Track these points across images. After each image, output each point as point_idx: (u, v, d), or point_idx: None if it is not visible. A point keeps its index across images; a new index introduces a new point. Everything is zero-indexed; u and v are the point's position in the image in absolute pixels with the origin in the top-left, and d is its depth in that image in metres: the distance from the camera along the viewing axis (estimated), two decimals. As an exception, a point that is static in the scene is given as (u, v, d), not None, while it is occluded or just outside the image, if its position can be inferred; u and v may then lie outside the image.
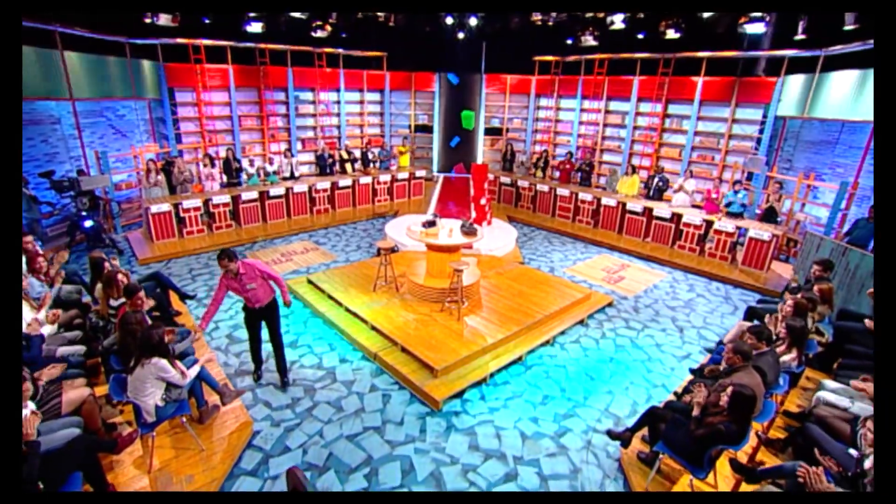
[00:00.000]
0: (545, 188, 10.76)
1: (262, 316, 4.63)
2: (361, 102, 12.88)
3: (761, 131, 9.78)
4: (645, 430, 3.86)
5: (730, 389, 3.18)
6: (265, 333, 4.77)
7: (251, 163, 10.46)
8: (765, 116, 9.68)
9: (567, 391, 4.89)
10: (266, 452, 3.98)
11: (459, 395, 4.76)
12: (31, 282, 4.69)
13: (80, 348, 4.32)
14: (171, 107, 10.19)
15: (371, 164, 11.58)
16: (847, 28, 7.34)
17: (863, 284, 6.18)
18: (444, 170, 13.53)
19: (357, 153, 11.66)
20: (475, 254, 7.91)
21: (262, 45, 10.79)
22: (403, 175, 11.70)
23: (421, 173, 12.10)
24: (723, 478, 3.56)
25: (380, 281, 6.57)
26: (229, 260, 4.29)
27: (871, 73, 8.04)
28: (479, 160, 13.39)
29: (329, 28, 10.53)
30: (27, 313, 4.26)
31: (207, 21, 9.74)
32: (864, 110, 8.08)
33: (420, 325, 5.65)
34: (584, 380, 5.09)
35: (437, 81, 13.16)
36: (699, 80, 10.18)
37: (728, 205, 8.54)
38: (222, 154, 9.76)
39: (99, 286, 4.74)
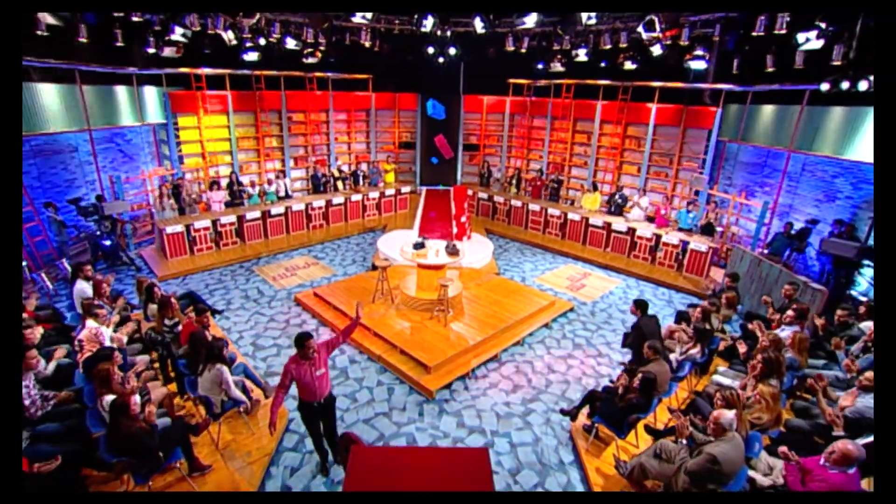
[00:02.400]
0: (518, 203, 12.24)
1: (322, 413, 4.40)
2: (349, 121, 14.10)
3: (706, 153, 11.43)
4: (587, 408, 5.31)
5: (639, 375, 4.65)
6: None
7: (252, 184, 11.59)
8: (708, 140, 11.33)
9: (532, 381, 6.33)
10: (301, 434, 5.29)
11: (448, 386, 6.14)
12: (99, 302, 5.85)
13: (147, 357, 5.55)
14: (174, 130, 11.24)
15: (361, 182, 12.83)
16: (769, 70, 8.99)
17: (770, 290, 7.81)
18: (427, 183, 14.85)
19: (346, 169, 12.90)
20: (457, 266, 9.27)
21: (258, 72, 11.91)
22: (390, 191, 13.02)
23: (406, 189, 13.43)
24: (642, 441, 5.03)
25: (378, 294, 7.89)
26: (305, 343, 4.06)
27: (790, 108, 9.75)
28: (459, 175, 14.77)
29: (319, 55, 11.71)
30: (105, 331, 5.44)
31: (207, 51, 10.82)
32: (784, 140, 9.80)
33: (414, 331, 7.01)
34: (546, 372, 6.54)
35: (420, 102, 14.46)
36: (653, 107, 11.76)
37: (679, 222, 10.14)
38: (225, 178, 10.90)
39: (153, 307, 5.96)
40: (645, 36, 8.27)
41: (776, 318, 6.02)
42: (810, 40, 7.55)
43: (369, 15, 8.49)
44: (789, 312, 5.68)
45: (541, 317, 7.84)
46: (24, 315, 5.50)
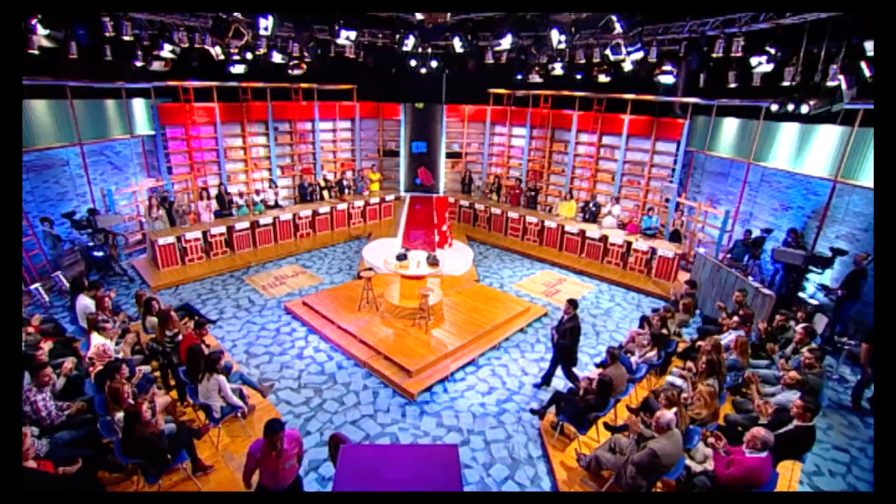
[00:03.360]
0: (498, 211, 12.87)
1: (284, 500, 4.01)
2: (334, 130, 14.56)
3: (675, 162, 12.15)
4: (553, 408, 5.94)
5: (597, 378, 5.29)
6: None
7: (241, 195, 12.01)
8: (677, 150, 12.06)
9: (507, 383, 6.95)
10: (294, 435, 5.83)
11: (429, 389, 6.72)
12: (103, 316, 6.30)
13: (148, 367, 6.03)
14: (162, 142, 11.60)
15: (346, 191, 13.33)
16: (731, 86, 9.70)
17: (728, 294, 8.53)
18: (410, 189, 15.39)
19: (332, 177, 13.40)
20: (439, 274, 9.85)
21: (245, 84, 12.32)
22: (375, 199, 13.55)
23: (390, 197, 13.98)
24: (602, 436, 5.67)
25: (363, 302, 8.43)
26: (274, 435, 3.73)
27: (749, 122, 10.51)
28: (442, 182, 15.35)
29: (305, 66, 12.15)
30: (107, 343, 5.90)
31: (195, 64, 11.20)
32: (744, 152, 10.56)
33: (397, 338, 7.58)
34: (520, 374, 7.16)
35: (403, 110, 14.98)
36: (626, 118, 12.45)
37: (647, 228, 10.86)
38: (214, 190, 11.32)
39: (153, 319, 6.44)
40: (612, 57, 8.90)
41: (726, 323, 6.71)
42: (762, 64, 8.31)
43: (353, 35, 8.99)
44: (734, 318, 6.38)
45: (517, 322, 8.46)
46: (31, 330, 5.94)
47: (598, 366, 6.89)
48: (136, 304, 6.92)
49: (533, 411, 6.06)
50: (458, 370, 7.16)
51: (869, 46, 6.65)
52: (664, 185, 11.89)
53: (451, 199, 14.16)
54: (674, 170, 12.13)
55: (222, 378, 5.35)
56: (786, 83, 8.48)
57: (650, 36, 10.00)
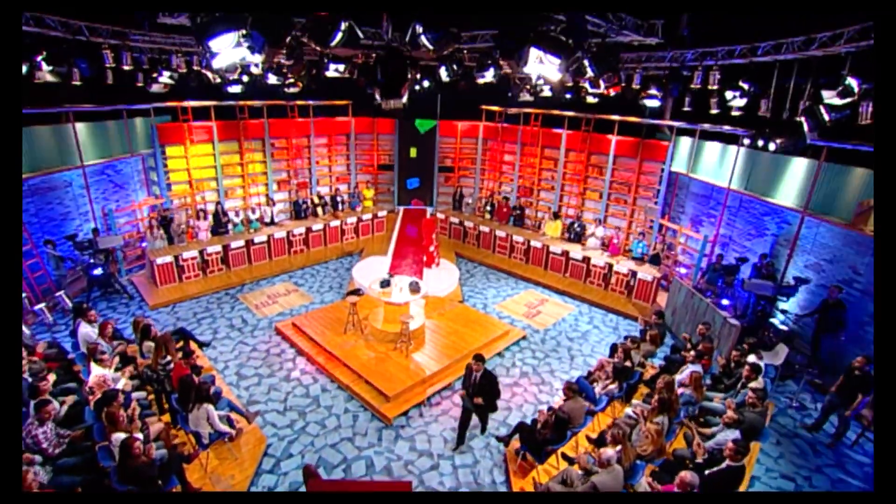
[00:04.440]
0: (486, 229, 13.36)
1: None
2: (329, 146, 15.07)
3: (660, 183, 12.56)
4: (518, 436, 6.45)
5: (551, 414, 5.80)
6: None
7: (237, 213, 12.55)
8: (662, 172, 12.47)
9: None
10: (277, 458, 6.38)
11: (405, 413, 7.25)
12: (103, 345, 6.87)
13: (143, 393, 6.60)
14: (162, 160, 12.15)
15: (340, 207, 13.86)
16: (713, 112, 10.10)
17: (700, 321, 8.98)
18: (404, 203, 15.89)
19: (326, 191, 13.96)
20: (424, 295, 10.35)
21: (242, 103, 12.84)
22: (367, 216, 14.09)
23: (383, 213, 14.53)
24: (562, 464, 6.18)
25: (349, 325, 8.95)
26: None
27: (729, 148, 10.91)
28: (435, 196, 15.84)
29: (300, 85, 12.65)
30: (106, 372, 6.46)
31: (193, 84, 11.72)
32: (723, 177, 10.96)
33: (378, 362, 8.11)
34: (493, 399, 7.67)
35: (397, 126, 15.46)
36: (613, 139, 12.85)
37: (634, 251, 11.32)
38: (211, 208, 11.89)
39: (149, 344, 7.01)
40: (590, 89, 9.32)
41: (686, 356, 7.19)
42: (736, 98, 8.75)
43: (342, 67, 9.47)
44: (692, 352, 6.85)
45: (495, 346, 8.96)
46: (35, 358, 6.52)
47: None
48: (134, 331, 7.47)
49: (498, 438, 6.58)
50: (434, 394, 7.68)
51: (827, 94, 7.06)
52: (648, 206, 12.32)
53: (442, 216, 14.65)
54: (658, 190, 12.55)
55: (210, 407, 5.90)
56: (762, 113, 8.85)
57: (633, 64, 10.41)
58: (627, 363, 6.94)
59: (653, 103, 11.12)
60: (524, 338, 9.40)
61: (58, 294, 9.16)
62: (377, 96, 5.03)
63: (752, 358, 6.85)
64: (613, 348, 7.92)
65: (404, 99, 4.90)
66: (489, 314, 10.17)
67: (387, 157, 15.94)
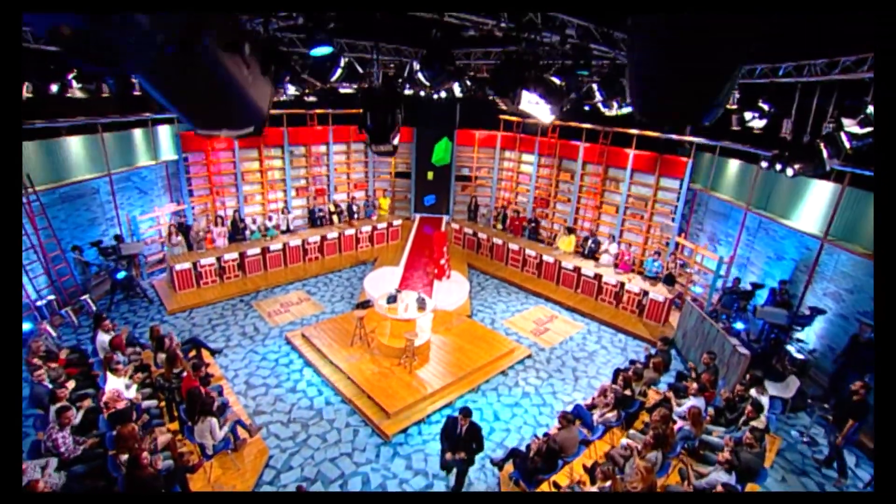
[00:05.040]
0: (500, 241, 13.44)
1: None
2: (348, 153, 15.38)
3: (678, 200, 12.39)
4: (512, 461, 6.56)
5: (543, 443, 5.89)
6: None
7: (253, 221, 12.98)
8: (680, 188, 12.29)
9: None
10: (278, 470, 6.67)
11: (405, 430, 7.45)
12: (118, 356, 7.28)
13: (154, 402, 6.98)
14: (184, 167, 12.66)
15: (355, 216, 14.19)
16: (734, 129, 9.91)
17: (710, 347, 8.88)
18: (420, 210, 16.11)
19: (343, 206, 14.30)
20: (432, 309, 10.52)
21: (262, 112, 13.22)
22: (382, 224, 14.36)
23: (397, 222, 14.78)
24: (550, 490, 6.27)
25: (356, 338, 9.20)
26: None
27: (749, 167, 10.68)
28: (451, 205, 15.99)
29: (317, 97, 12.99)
30: (120, 384, 6.84)
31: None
32: (743, 196, 10.74)
33: (381, 377, 8.32)
34: (492, 420, 7.80)
35: (415, 134, 15.66)
36: (630, 153, 12.74)
37: (649, 272, 11.23)
38: (230, 214, 12.34)
39: (163, 356, 7.39)
40: (603, 109, 9.30)
41: (689, 387, 7.15)
42: (755, 118, 8.57)
43: (354, 86, 9.73)
44: (693, 385, 6.82)
45: (500, 364, 9.07)
46: (55, 365, 6.96)
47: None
48: (150, 339, 7.88)
49: (493, 461, 6.70)
50: (434, 412, 7.84)
51: (848, 122, 6.89)
52: (664, 223, 12.18)
53: (456, 226, 14.79)
54: (676, 207, 12.38)
55: (214, 421, 6.22)
56: (783, 134, 8.62)
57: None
58: (627, 392, 6.95)
59: (673, 118, 10.94)
60: (529, 356, 9.48)
61: (83, 297, 9.70)
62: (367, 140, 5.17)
63: (753, 392, 6.77)
64: (616, 373, 7.93)
65: (395, 141, 5.05)
66: (496, 330, 10.27)
67: (404, 164, 16.16)
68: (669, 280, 10.96)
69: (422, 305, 8.92)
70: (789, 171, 8.20)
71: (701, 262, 11.47)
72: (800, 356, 8.96)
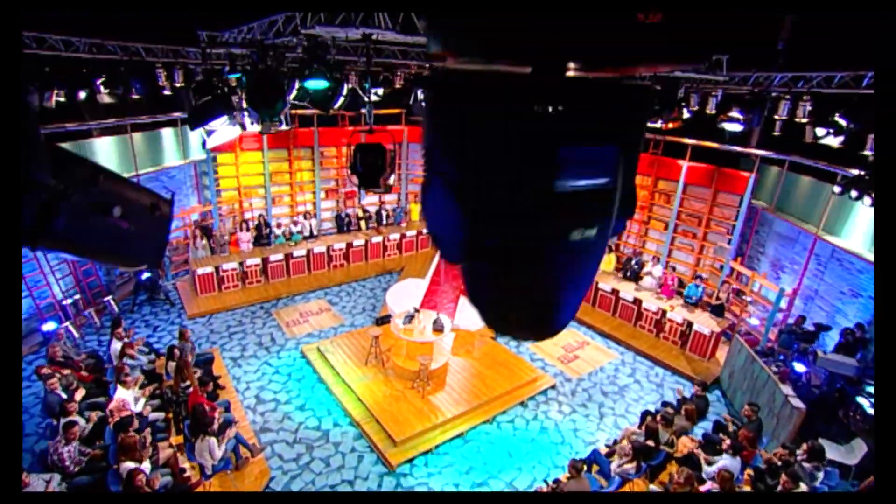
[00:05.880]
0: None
1: None
2: (379, 154, 15.62)
3: (736, 218, 11.75)
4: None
5: (553, 489, 5.79)
6: None
7: (278, 225, 13.44)
8: (739, 206, 11.65)
9: (488, 464, 7.57)
10: (277, 492, 6.92)
11: (411, 460, 7.53)
12: (127, 361, 7.77)
13: (161, 415, 7.41)
14: (213, 167, 13.27)
15: (384, 222, 14.46)
16: (808, 141, 9.30)
17: (759, 393, 8.41)
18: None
19: (372, 211, 14.58)
20: (454, 328, 10.52)
21: (292, 111, 13.65)
22: (412, 232, 14.53)
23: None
24: (560, 544, 6.17)
25: (371, 357, 9.36)
26: None
27: (824, 186, 9.97)
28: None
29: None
30: (128, 396, 7.29)
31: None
32: (814, 219, 10.04)
33: (393, 400, 8.44)
34: (503, 456, 7.74)
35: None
36: (684, 164, 12.21)
37: (688, 297, 10.77)
38: (258, 210, 12.90)
39: (173, 365, 7.83)
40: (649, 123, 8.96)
41: (723, 443, 6.79)
42: (829, 135, 7.99)
43: (381, 91, 9.91)
44: (727, 441, 6.49)
45: (520, 393, 8.98)
46: (66, 372, 7.50)
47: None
48: (179, 339, 8.30)
49: (498, 507, 6.67)
50: (444, 443, 7.88)
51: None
52: (718, 244, 11.62)
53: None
54: (733, 226, 11.76)
55: (213, 441, 6.52)
56: (866, 152, 7.94)
57: (710, 85, 9.94)
58: (650, 442, 6.71)
59: (734, 127, 10.42)
60: (553, 387, 9.32)
61: (106, 298, 10.42)
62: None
63: (805, 462, 6.31)
64: (644, 417, 7.67)
65: (391, 180, 5.11)
66: (520, 355, 10.15)
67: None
68: (719, 310, 10.44)
69: (438, 328, 8.95)
70: (866, 200, 7.62)
71: (758, 291, 10.86)
72: (872, 412, 8.30)
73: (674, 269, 11.73)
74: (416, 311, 9.27)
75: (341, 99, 4.84)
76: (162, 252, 1.91)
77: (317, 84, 4.35)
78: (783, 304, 10.10)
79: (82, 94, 8.38)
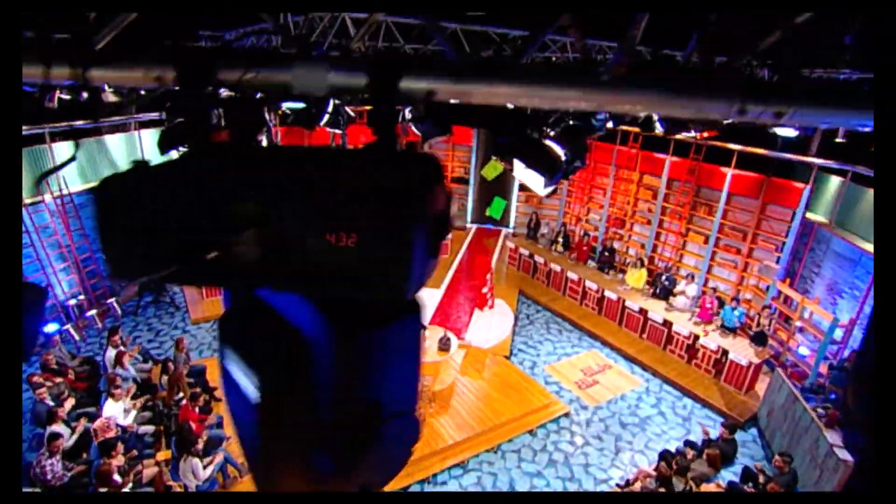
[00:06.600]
0: (558, 267, 12.90)
1: None
2: (400, 153, 15.57)
3: (787, 235, 11.07)
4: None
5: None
6: None
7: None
8: (791, 221, 10.96)
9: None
10: (261, 519, 6.96)
11: (405, 488, 7.44)
12: (119, 372, 7.96)
13: (151, 428, 7.57)
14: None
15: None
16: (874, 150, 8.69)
17: (799, 438, 7.89)
18: (478, 220, 15.96)
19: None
20: (465, 345, 10.35)
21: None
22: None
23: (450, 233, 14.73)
24: None
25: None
26: None
27: None
28: (513, 217, 15.67)
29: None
30: (116, 411, 7.47)
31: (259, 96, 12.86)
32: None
33: (392, 423, 8.35)
34: (506, 489, 7.55)
35: (475, 136, 15.47)
36: (728, 172, 11.60)
37: (726, 319, 10.24)
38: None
39: (165, 378, 7.99)
40: (682, 136, 8.53)
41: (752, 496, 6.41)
42: None
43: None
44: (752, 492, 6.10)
45: (529, 420, 8.75)
46: (59, 380, 7.76)
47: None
48: (162, 364, 8.49)
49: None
50: (441, 471, 7.75)
51: None
52: (764, 264, 10.99)
53: (512, 245, 14.46)
54: (783, 244, 11.10)
55: (196, 462, 6.60)
56: None
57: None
58: (662, 489, 6.38)
59: (788, 132, 9.85)
60: (566, 414, 9.04)
61: (110, 301, 10.76)
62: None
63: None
64: (661, 459, 7.32)
65: None
66: (534, 377, 9.92)
67: (462, 169, 16.06)
68: (760, 338, 9.87)
69: (444, 347, 8.82)
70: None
71: (808, 318, 10.20)
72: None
73: (714, 289, 11.17)
74: (423, 328, 9.14)
75: (326, 116, 4.81)
76: None
77: (296, 105, 4.34)
78: (838, 335, 9.44)
79: (84, 95, 8.58)
